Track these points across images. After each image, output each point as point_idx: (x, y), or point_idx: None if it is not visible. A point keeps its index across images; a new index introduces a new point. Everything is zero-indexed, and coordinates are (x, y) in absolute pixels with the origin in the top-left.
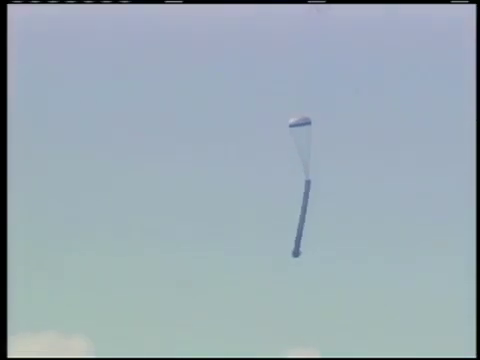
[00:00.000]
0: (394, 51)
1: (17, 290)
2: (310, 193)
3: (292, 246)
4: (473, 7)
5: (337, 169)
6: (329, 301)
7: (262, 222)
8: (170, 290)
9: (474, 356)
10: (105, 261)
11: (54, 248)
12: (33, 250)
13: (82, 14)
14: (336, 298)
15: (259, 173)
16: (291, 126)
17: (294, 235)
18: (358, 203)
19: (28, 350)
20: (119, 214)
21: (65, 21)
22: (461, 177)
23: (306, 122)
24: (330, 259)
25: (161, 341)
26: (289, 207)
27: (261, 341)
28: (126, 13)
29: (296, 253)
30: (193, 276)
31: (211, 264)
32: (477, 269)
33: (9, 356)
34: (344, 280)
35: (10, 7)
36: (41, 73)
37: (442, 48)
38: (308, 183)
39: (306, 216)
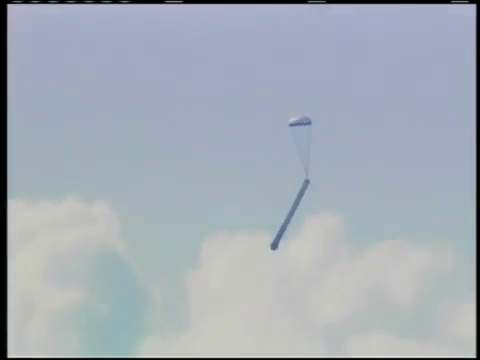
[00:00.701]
0: (394, 51)
1: (35, 154)
2: (305, 192)
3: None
4: (473, 7)
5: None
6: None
7: None
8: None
9: (474, 356)
10: (126, 127)
11: (74, 112)
12: (52, 113)
13: (82, 14)
14: (357, 165)
15: None
16: (291, 125)
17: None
18: None
19: (51, 217)
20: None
21: (65, 21)
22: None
23: (306, 122)
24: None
25: (182, 210)
26: None
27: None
28: (126, 13)
29: (274, 246)
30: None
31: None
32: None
33: (9, 356)
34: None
35: (10, 7)
36: (41, 73)
37: (442, 48)
38: (306, 182)
39: (293, 215)
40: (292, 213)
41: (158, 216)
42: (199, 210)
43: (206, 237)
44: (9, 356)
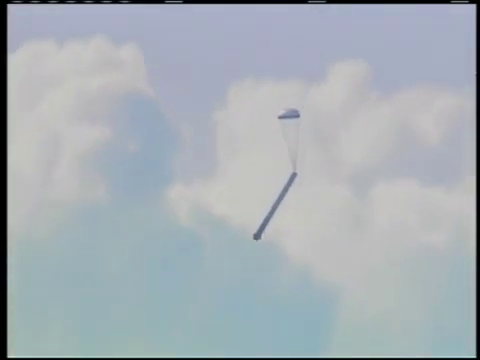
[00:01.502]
0: (394, 51)
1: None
2: (292, 186)
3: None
4: (473, 7)
5: None
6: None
7: None
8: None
9: (474, 356)
10: None
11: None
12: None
13: (82, 14)
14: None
15: None
16: (280, 118)
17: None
18: None
19: (78, 61)
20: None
21: (65, 21)
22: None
23: (295, 115)
24: None
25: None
26: None
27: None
28: (126, 13)
29: (257, 237)
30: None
31: None
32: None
33: (9, 356)
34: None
35: (10, 7)
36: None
37: (442, 48)
38: (294, 175)
39: (278, 207)
40: (277, 205)
41: (185, 59)
42: (226, 55)
43: (233, 82)
44: (9, 356)
